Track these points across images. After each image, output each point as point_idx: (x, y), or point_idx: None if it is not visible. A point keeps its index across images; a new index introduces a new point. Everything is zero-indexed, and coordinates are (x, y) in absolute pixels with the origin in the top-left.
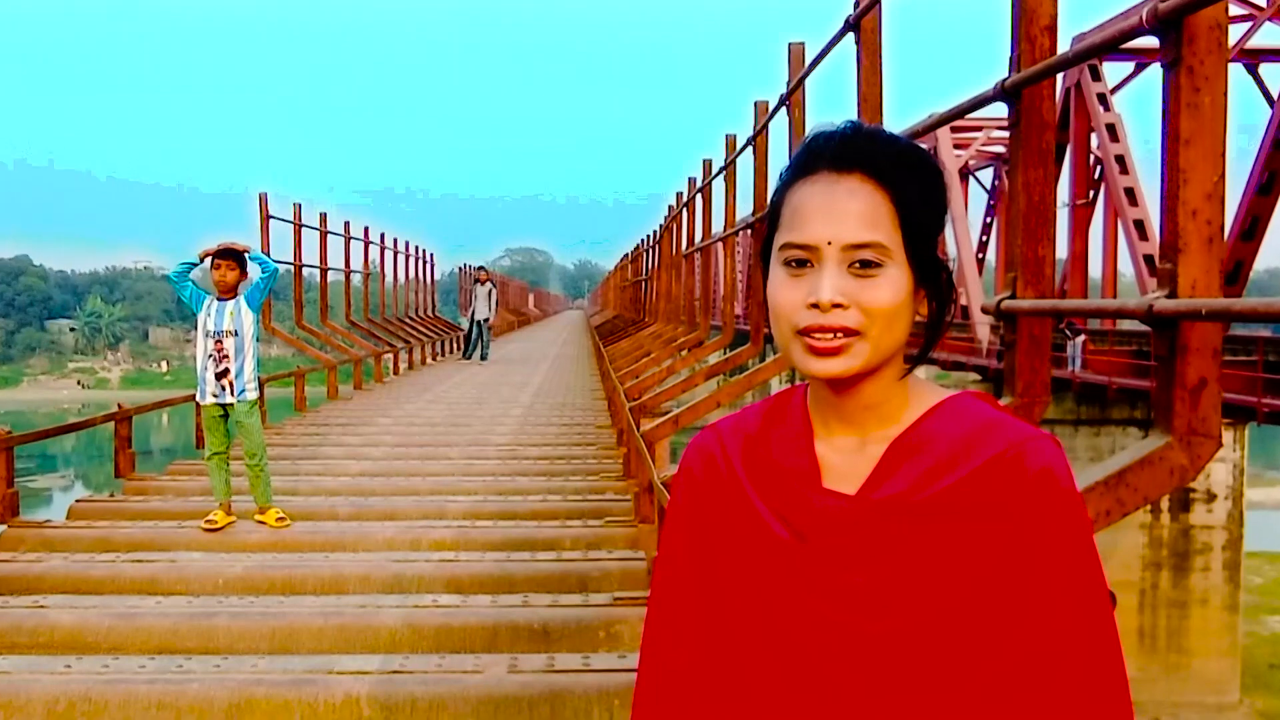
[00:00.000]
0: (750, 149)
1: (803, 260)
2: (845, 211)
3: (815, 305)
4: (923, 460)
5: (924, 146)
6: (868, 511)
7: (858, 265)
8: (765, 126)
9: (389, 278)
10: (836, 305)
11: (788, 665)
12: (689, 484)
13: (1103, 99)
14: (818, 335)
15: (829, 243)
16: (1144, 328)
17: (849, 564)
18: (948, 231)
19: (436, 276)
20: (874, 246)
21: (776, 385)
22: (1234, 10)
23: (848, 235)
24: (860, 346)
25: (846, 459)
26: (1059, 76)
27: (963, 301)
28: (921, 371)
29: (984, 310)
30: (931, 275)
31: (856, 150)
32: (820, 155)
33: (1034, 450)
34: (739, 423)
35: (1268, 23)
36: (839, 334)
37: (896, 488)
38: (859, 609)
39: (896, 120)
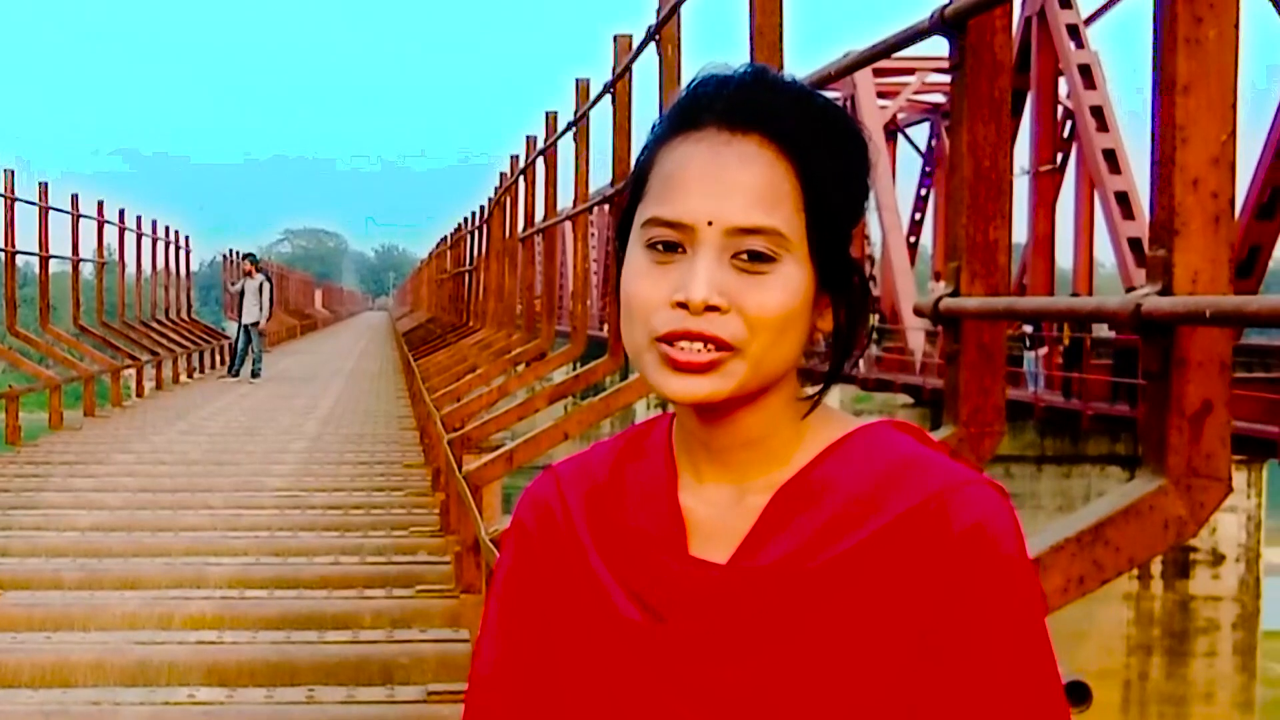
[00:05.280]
0: (608, 98)
1: (672, 243)
2: (734, 184)
3: (683, 305)
4: (816, 515)
5: (834, 95)
6: (742, 584)
7: (744, 257)
8: (628, 69)
9: (131, 269)
10: (711, 308)
11: None
12: (521, 544)
13: (1074, 32)
14: (682, 345)
15: (709, 223)
16: (1099, 334)
17: (718, 654)
18: (869, 208)
19: (194, 267)
20: (767, 233)
21: (643, 412)
22: None
23: (734, 216)
24: (735, 365)
25: (719, 514)
26: (1017, 1)
27: (878, 294)
28: (834, 392)
29: (917, 311)
30: (840, 278)
31: (758, 104)
32: (708, 105)
33: (962, 500)
34: (583, 465)
35: None
36: (709, 346)
37: (779, 552)
38: (730, 713)
39: (803, 60)
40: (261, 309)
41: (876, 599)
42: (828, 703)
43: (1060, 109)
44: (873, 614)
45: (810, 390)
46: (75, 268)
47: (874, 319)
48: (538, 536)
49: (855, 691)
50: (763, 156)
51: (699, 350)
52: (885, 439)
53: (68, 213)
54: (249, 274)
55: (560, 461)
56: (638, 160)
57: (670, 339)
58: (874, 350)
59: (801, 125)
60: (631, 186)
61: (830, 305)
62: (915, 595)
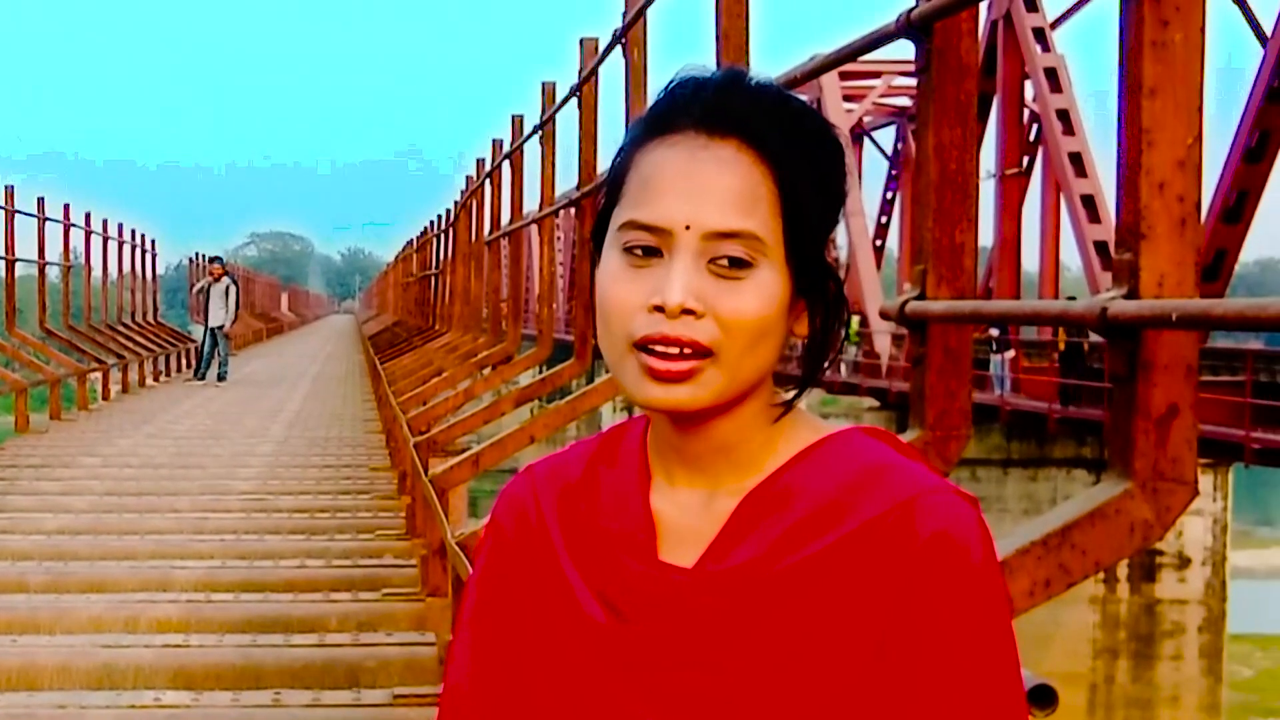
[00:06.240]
0: (575, 101)
1: (650, 247)
2: (712, 188)
3: (659, 308)
4: (783, 520)
5: (805, 98)
6: (706, 587)
7: (722, 262)
8: (594, 72)
9: (97, 272)
10: (687, 312)
11: None
12: (498, 545)
13: (1040, 35)
14: (658, 348)
15: (687, 227)
16: (1096, 338)
17: (681, 657)
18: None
19: (160, 270)
20: (744, 238)
21: (609, 415)
22: None
23: (712, 220)
24: (712, 373)
25: (690, 518)
26: (983, 5)
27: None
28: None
29: (883, 315)
30: (816, 284)
31: (735, 108)
32: (684, 109)
33: (928, 508)
34: (559, 465)
35: None
36: (686, 351)
37: (744, 556)
38: (692, 716)
39: (769, 63)
40: (227, 312)
41: (840, 604)
42: (789, 706)
43: (1026, 112)
44: (836, 619)
45: (786, 395)
46: (41, 271)
47: (855, 323)
48: (512, 536)
49: (817, 696)
50: (740, 161)
51: (676, 355)
52: (856, 445)
53: (33, 216)
54: (216, 277)
55: (538, 461)
56: (613, 163)
57: (647, 343)
58: (854, 354)
59: (779, 130)
60: (607, 190)
61: (806, 311)
62: (879, 601)
